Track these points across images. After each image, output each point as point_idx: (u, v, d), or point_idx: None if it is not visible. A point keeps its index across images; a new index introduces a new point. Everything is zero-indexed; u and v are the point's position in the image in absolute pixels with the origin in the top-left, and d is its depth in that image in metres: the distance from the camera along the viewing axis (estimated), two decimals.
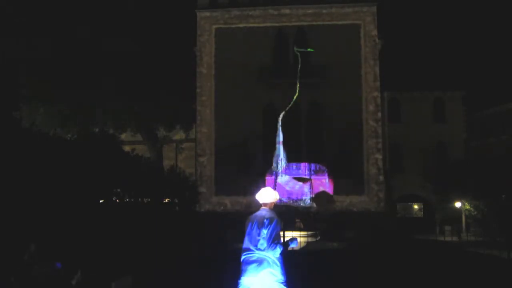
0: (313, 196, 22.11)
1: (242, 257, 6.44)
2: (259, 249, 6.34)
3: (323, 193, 22.74)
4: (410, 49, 37.26)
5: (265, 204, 6.61)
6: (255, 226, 6.40)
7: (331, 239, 21.18)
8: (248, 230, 6.48)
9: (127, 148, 23.61)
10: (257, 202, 6.68)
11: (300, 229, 20.94)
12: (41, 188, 11.47)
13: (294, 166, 24.23)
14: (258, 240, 6.35)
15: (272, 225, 6.34)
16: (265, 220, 6.39)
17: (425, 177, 32.43)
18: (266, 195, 6.61)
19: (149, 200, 19.02)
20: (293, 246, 6.58)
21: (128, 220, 15.32)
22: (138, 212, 17.20)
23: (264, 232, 6.32)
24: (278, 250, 6.31)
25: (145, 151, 30.01)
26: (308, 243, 19.55)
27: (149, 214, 17.97)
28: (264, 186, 17.21)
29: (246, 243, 6.46)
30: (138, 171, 17.86)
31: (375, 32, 30.98)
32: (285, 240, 6.57)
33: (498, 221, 25.55)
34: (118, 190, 16.33)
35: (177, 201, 23.21)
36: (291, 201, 21.30)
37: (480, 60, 42.30)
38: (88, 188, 13.57)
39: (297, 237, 18.81)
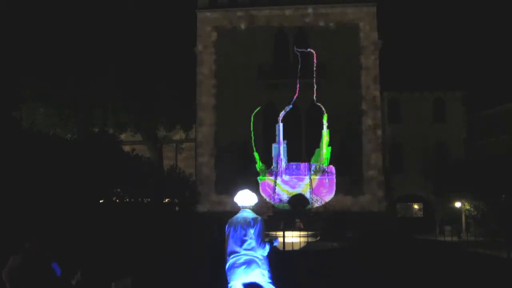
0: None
1: (229, 261, 6.32)
2: (247, 249, 6.26)
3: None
4: (410, 49, 37.19)
5: (244, 206, 6.56)
6: (239, 228, 6.35)
7: (331, 239, 21.16)
8: (231, 233, 6.39)
9: (127, 148, 23.64)
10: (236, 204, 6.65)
11: (300, 229, 20.94)
12: (41, 188, 11.48)
13: (294, 166, 24.27)
14: (245, 241, 6.28)
15: (258, 224, 6.33)
16: (250, 220, 6.37)
17: (425, 177, 32.39)
18: (246, 198, 6.57)
19: (149, 200, 19.04)
20: (276, 244, 6.62)
21: (128, 220, 15.33)
22: (138, 212, 17.21)
23: (251, 231, 6.29)
24: (267, 249, 6.30)
25: (145, 151, 30.02)
26: (308, 243, 19.54)
27: (149, 214, 17.98)
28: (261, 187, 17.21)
29: (231, 246, 6.34)
30: (138, 171, 17.89)
31: (375, 32, 30.99)
32: (270, 239, 6.58)
33: (498, 221, 25.54)
34: (118, 190, 16.36)
35: (177, 201, 23.22)
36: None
37: (480, 60, 42.17)
38: (88, 188, 13.58)
39: (296, 237, 18.83)
